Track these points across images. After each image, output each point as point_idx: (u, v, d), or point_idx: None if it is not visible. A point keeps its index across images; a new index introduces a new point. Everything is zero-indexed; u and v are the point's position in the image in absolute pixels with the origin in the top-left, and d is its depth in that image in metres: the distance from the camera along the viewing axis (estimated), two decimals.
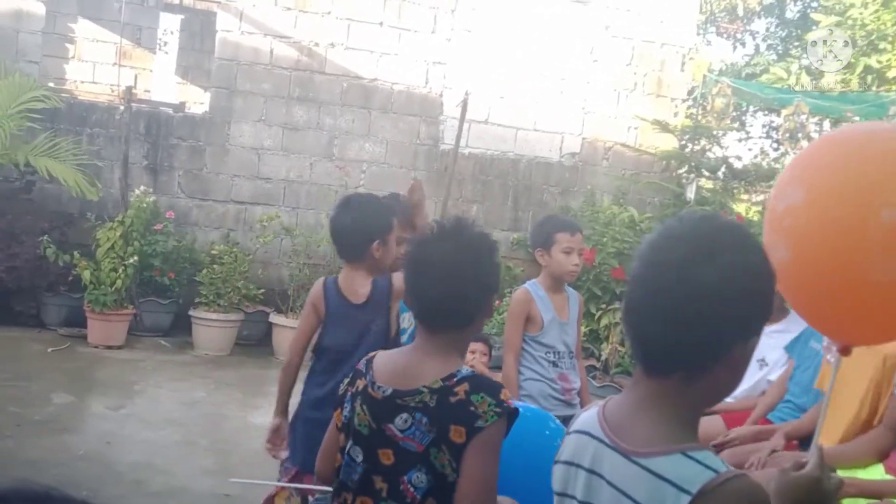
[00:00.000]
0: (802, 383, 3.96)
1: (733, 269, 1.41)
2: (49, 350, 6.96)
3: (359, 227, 3.19)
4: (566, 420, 3.77)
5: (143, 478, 4.60)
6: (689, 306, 1.40)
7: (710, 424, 4.15)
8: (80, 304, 7.34)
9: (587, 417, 1.56)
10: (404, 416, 1.89)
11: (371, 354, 2.09)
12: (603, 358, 7.27)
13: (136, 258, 7.34)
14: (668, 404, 1.45)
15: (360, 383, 1.99)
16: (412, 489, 1.87)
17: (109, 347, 7.21)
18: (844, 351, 2.01)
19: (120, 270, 7.23)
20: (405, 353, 2.05)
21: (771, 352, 4.26)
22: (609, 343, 7.24)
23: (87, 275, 7.16)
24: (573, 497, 1.52)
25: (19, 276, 7.27)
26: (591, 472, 1.49)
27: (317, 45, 8.49)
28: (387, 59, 8.70)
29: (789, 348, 4.16)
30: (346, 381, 2.07)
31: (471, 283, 1.96)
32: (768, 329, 4.16)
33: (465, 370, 1.94)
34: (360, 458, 1.95)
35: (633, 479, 1.41)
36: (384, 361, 2.02)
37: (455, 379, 1.90)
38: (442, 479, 1.86)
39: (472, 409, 1.85)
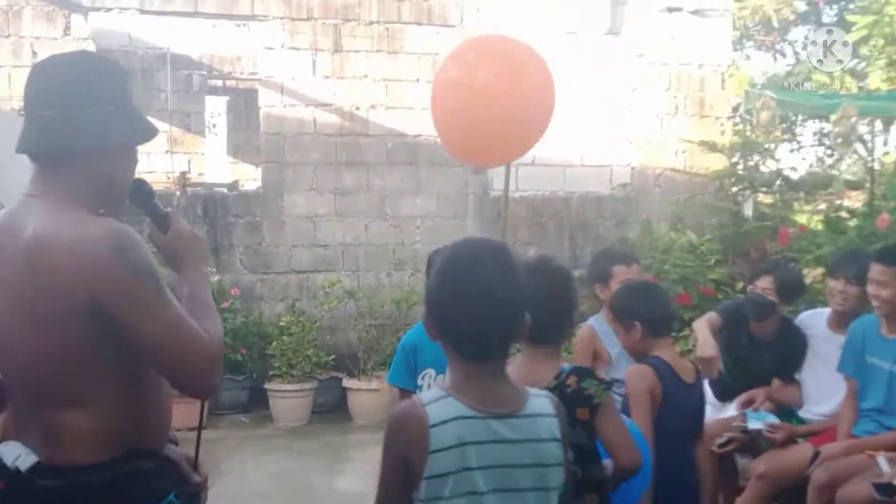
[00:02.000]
0: (880, 399, 3.90)
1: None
2: None
3: None
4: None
5: None
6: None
7: (800, 453, 4.07)
8: None
9: (444, 408, 1.88)
10: None
11: None
12: None
13: None
14: (504, 372, 1.97)
15: None
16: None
17: (192, 429, 7.29)
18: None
19: None
20: (519, 365, 2.53)
21: None
22: None
23: None
24: (472, 469, 1.85)
25: None
26: (487, 442, 1.87)
27: (358, 108, 8.65)
28: (428, 114, 8.77)
29: (844, 368, 4.09)
30: None
31: (551, 309, 2.47)
32: (841, 338, 4.15)
33: (567, 366, 2.53)
34: None
35: (527, 428, 1.91)
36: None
37: (563, 374, 2.49)
38: (582, 449, 2.43)
39: (586, 392, 2.46)
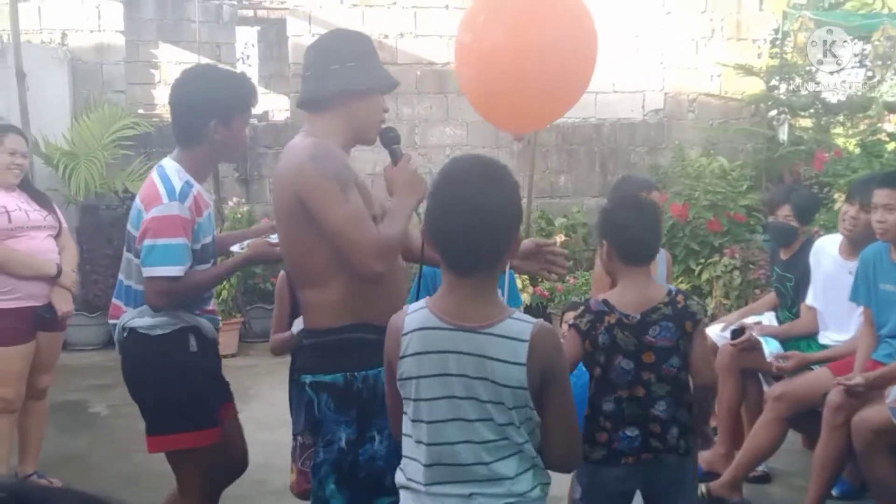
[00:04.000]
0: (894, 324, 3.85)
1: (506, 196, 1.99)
2: None
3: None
4: None
5: (264, 477, 4.76)
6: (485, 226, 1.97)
7: (818, 377, 4.05)
8: None
9: (417, 318, 2.04)
10: (655, 327, 2.72)
11: (600, 298, 2.83)
12: (710, 313, 7.14)
13: None
14: (489, 291, 2.03)
15: (610, 318, 2.74)
16: (673, 369, 2.76)
17: (224, 356, 7.37)
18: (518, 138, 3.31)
19: (224, 282, 7.46)
20: (630, 289, 2.80)
21: None
22: (713, 297, 7.10)
23: None
24: (429, 376, 2.00)
25: None
26: (445, 352, 1.98)
27: (386, 37, 8.56)
28: None
29: (857, 297, 4.01)
30: (586, 321, 2.77)
31: (644, 235, 2.84)
32: (851, 265, 4.10)
33: (673, 287, 2.89)
34: (630, 366, 2.74)
35: (487, 345, 1.96)
36: (618, 300, 2.78)
37: (673, 293, 2.80)
38: (685, 357, 2.78)
39: (691, 310, 2.78)
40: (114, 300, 3.12)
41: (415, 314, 2.05)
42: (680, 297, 2.80)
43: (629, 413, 2.77)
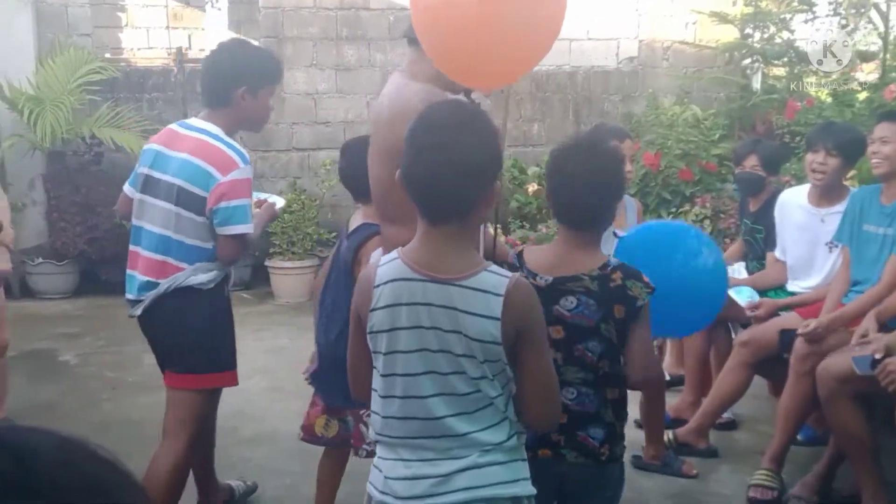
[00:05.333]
0: (869, 265, 3.88)
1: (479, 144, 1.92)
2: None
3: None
4: None
5: (237, 425, 4.78)
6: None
7: (784, 322, 4.09)
8: None
9: (389, 270, 1.97)
10: (570, 298, 2.35)
11: (518, 249, 2.58)
12: None
13: None
14: (463, 241, 1.96)
15: None
16: (589, 354, 2.36)
17: None
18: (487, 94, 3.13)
19: None
20: (557, 249, 2.48)
21: None
22: None
23: None
24: (402, 328, 1.94)
25: (101, 247, 7.52)
26: (418, 304, 1.92)
27: None
28: None
29: (840, 237, 4.05)
30: None
31: (597, 194, 2.38)
32: (830, 210, 4.14)
33: (614, 260, 2.41)
34: None
35: (459, 297, 1.89)
36: (535, 257, 2.47)
37: (609, 267, 2.37)
38: (610, 345, 2.37)
39: (630, 293, 2.35)
40: (159, 256, 3.19)
41: (387, 265, 1.99)
42: (618, 275, 2.36)
43: None
